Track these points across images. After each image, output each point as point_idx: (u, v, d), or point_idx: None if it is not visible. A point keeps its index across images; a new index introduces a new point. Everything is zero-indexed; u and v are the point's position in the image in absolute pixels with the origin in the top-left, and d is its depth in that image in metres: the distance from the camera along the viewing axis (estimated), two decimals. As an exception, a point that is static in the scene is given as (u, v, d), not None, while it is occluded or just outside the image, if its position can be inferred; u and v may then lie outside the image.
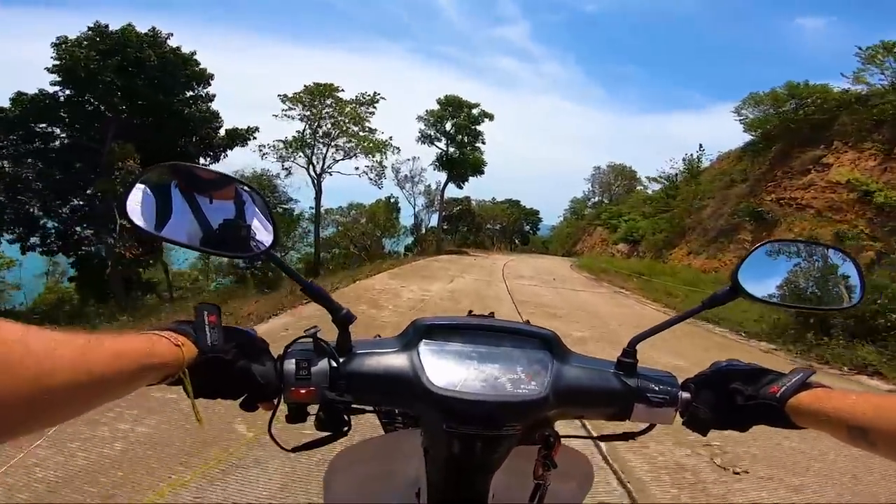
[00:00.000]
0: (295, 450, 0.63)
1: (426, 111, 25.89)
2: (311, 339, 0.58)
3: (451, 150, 25.69)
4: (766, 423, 0.57)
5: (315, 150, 25.49)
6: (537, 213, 54.36)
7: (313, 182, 25.48)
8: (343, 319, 0.60)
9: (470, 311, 0.80)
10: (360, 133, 24.99)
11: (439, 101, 25.57)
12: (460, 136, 25.55)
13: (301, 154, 24.92)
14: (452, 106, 25.17)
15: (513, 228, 52.95)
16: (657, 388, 0.61)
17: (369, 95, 25.32)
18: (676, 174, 28.14)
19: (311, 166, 25.28)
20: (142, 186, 0.58)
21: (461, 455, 0.58)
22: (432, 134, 25.83)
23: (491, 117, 25.60)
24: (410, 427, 0.75)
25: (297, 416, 0.59)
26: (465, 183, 26.53)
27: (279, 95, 24.17)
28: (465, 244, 41.58)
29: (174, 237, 0.59)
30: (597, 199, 61.22)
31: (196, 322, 0.53)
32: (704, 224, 18.93)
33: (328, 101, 24.26)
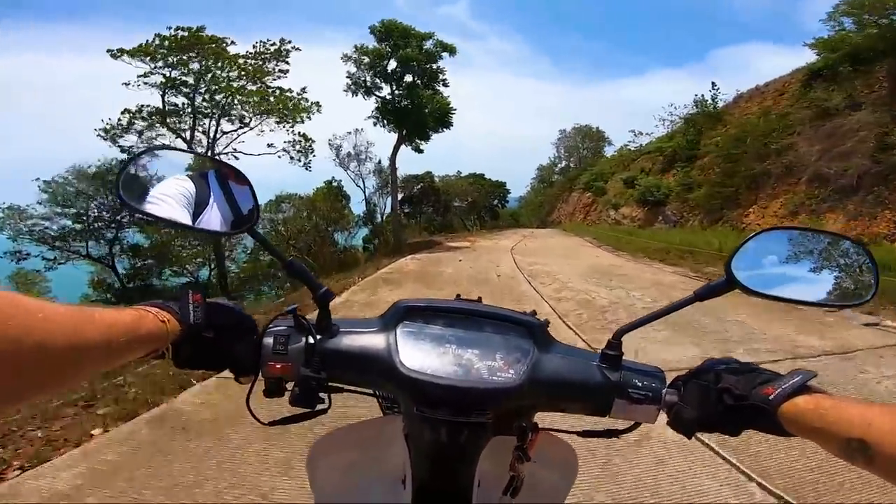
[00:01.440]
0: (272, 423, 0.63)
1: (355, 47, 16.57)
2: (291, 316, 0.58)
3: (399, 97, 16.61)
4: (755, 427, 0.51)
5: (196, 124, 16.73)
6: (504, 184, 47.04)
7: (200, 167, 16.75)
8: (323, 297, 0.59)
9: (458, 295, 0.74)
10: (262, 92, 16.38)
11: (374, 31, 16.38)
12: (411, 77, 16.60)
13: (166, 129, 16.09)
14: (395, 36, 16.39)
15: (482, 204, 46.16)
16: (640, 384, 0.57)
17: (273, 44, 16.61)
18: (688, 119, 20.94)
19: (190, 147, 16.48)
20: (132, 167, 0.62)
21: (436, 441, 0.55)
22: (368, 80, 16.75)
23: (452, 50, 16.92)
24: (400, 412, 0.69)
25: (274, 390, 0.58)
26: (426, 142, 17.41)
27: (109, 51, 15.13)
28: (433, 228, 34.22)
29: (160, 214, 0.59)
30: (563, 164, 55.60)
31: (181, 300, 0.54)
32: (815, 169, 11.64)
33: (194, 54, 15.48)
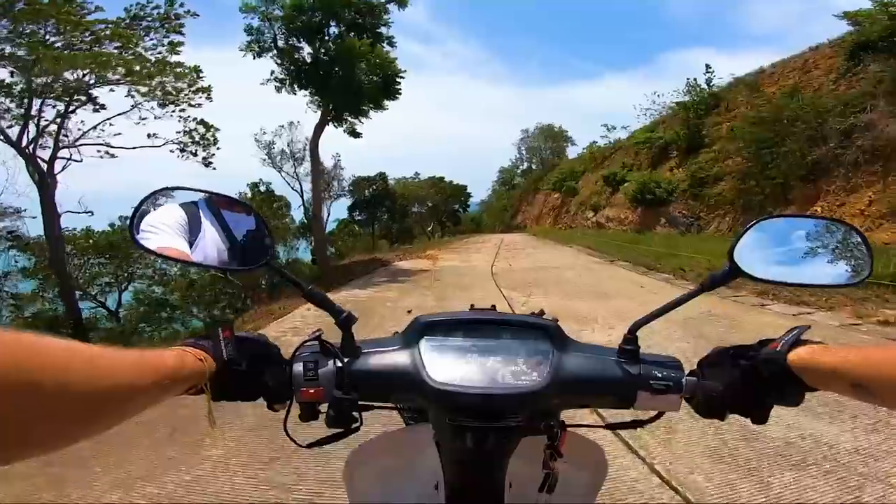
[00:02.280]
0: (310, 446, 0.64)
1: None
2: (317, 342, 0.60)
3: (322, 53, 11.22)
4: (777, 393, 0.53)
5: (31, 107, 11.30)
6: (465, 188, 42.81)
7: (30, 171, 11.22)
8: (345, 321, 0.60)
9: (472, 306, 0.75)
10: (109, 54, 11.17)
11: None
12: (342, 28, 11.34)
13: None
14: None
15: (443, 208, 42.21)
16: (660, 375, 0.58)
17: (157, 7, 11.53)
18: (686, 104, 17.36)
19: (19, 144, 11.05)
20: (147, 208, 0.61)
21: (468, 447, 0.57)
22: (279, 36, 11.23)
23: (402, 2, 12.26)
24: (425, 421, 0.71)
25: (308, 414, 0.59)
26: (364, 120, 12.09)
27: None
28: (391, 236, 29.48)
29: (180, 257, 0.60)
30: (525, 165, 52.75)
31: (212, 337, 0.55)
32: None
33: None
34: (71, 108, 11.58)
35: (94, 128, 11.99)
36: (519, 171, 53.58)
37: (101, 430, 0.37)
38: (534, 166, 50.18)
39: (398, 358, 0.59)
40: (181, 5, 11.69)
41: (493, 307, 0.71)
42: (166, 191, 0.63)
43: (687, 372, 0.59)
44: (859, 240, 0.61)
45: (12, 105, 11.04)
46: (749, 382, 0.54)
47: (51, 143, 11.52)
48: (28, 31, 10.39)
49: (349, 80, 10.73)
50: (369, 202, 28.59)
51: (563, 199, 32.93)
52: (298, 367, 0.58)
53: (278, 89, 11.64)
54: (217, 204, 0.64)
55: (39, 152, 11.31)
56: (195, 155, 13.06)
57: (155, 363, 0.43)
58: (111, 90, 11.58)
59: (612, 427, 0.70)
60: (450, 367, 0.57)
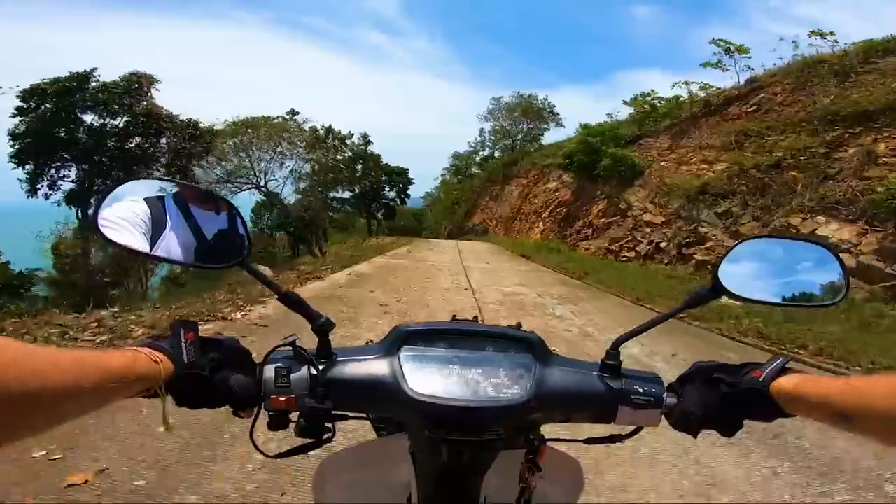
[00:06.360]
0: (278, 456, 0.61)
1: None
2: (290, 347, 0.56)
3: None
4: (753, 413, 0.53)
5: None
6: (405, 172, 30.84)
7: None
8: (322, 327, 0.58)
9: (454, 316, 0.73)
10: None
11: None
12: None
13: None
14: None
15: (373, 195, 27.68)
16: (641, 390, 0.58)
17: None
18: None
19: None
20: (113, 199, 0.57)
21: (446, 460, 0.55)
22: None
23: None
24: (398, 432, 0.69)
25: (278, 423, 0.56)
26: None
27: None
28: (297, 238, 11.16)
29: (145, 250, 0.57)
30: (487, 151, 35.90)
31: (172, 339, 0.51)
32: None
33: None
34: None
35: None
36: (478, 159, 36.90)
37: (33, 434, 0.35)
38: (498, 153, 33.80)
39: (377, 367, 0.56)
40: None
41: (476, 318, 0.69)
42: (139, 180, 0.60)
43: (666, 385, 0.58)
44: (836, 262, 0.61)
45: None
46: (727, 404, 0.53)
47: None
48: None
49: None
50: (55, 138, 9.79)
51: (579, 189, 16.23)
52: (269, 373, 0.54)
53: None
54: (188, 198, 0.60)
55: None
56: None
57: (97, 364, 0.40)
58: None
59: (592, 441, 0.68)
60: (430, 378, 0.55)
